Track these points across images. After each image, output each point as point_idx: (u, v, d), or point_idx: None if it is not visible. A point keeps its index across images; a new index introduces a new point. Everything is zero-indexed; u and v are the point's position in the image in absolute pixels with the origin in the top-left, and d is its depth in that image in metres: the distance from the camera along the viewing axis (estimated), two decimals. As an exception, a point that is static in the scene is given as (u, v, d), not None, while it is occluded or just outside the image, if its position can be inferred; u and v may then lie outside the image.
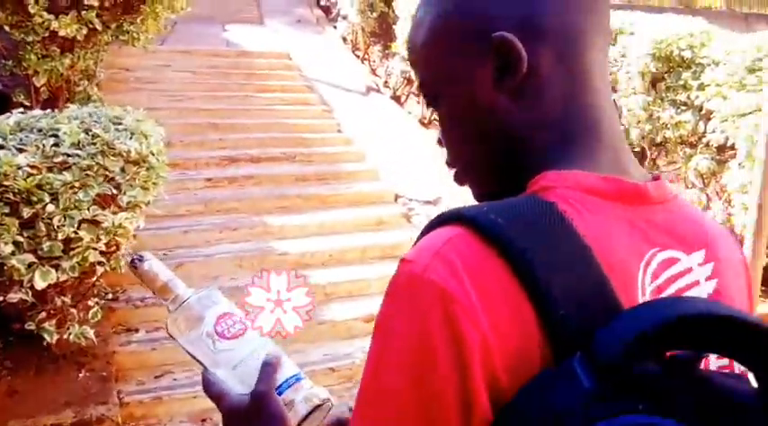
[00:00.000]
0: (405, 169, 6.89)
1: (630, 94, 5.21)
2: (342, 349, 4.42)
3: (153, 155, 3.06)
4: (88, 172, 2.78)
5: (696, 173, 4.85)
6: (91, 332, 3.15)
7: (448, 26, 0.70)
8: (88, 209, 2.77)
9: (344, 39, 11.11)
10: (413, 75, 8.43)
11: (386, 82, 9.79)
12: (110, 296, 4.60)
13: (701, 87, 4.73)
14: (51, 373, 3.14)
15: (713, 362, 0.65)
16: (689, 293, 0.68)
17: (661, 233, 0.68)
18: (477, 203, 0.64)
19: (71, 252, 2.79)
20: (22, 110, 3.16)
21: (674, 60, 5.01)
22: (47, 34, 4.23)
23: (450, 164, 0.76)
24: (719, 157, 4.71)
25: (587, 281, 0.58)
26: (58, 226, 2.69)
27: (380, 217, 5.97)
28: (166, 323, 0.98)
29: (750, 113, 4.24)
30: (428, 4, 0.72)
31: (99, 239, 2.82)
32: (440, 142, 0.77)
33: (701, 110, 4.74)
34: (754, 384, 0.56)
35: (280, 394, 0.86)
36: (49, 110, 3.20)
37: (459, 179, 0.76)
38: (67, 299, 3.10)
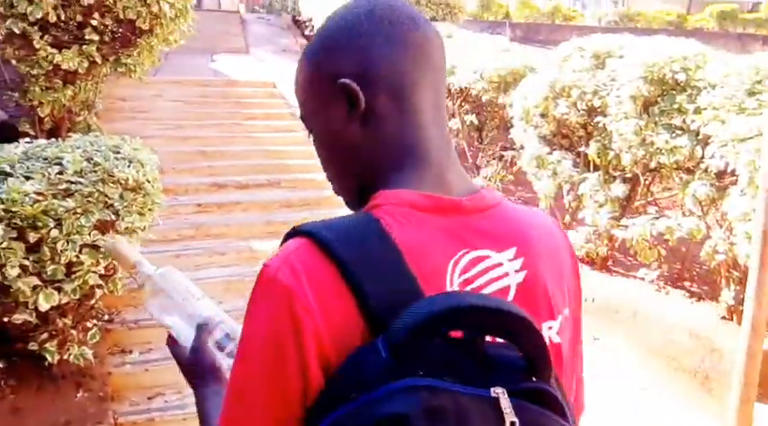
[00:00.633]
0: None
1: (622, 119, 5.01)
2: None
3: (149, 182, 3.16)
4: (89, 198, 2.87)
5: (694, 200, 4.60)
6: (89, 353, 3.22)
7: (312, 78, 0.89)
8: (89, 234, 2.86)
9: (329, 69, 11.27)
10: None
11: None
12: (107, 317, 4.67)
13: (698, 111, 4.55)
14: (52, 392, 3.21)
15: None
16: (497, 283, 0.82)
17: (474, 236, 0.83)
18: (322, 219, 0.80)
19: (73, 276, 2.87)
20: (28, 139, 3.26)
21: (667, 83, 4.85)
22: (50, 67, 4.33)
23: (332, 184, 0.95)
24: (719, 184, 4.46)
25: (396, 280, 0.75)
26: (61, 251, 2.78)
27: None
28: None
29: (751, 138, 4.00)
30: (300, 67, 0.92)
31: (98, 263, 2.91)
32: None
33: (697, 134, 4.54)
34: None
35: (221, 348, 1.09)
36: (53, 140, 3.29)
37: (335, 191, 0.95)
38: (68, 321, 3.18)
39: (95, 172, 2.96)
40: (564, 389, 0.81)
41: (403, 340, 0.68)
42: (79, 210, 2.83)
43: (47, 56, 4.18)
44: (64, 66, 4.23)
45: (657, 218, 5.02)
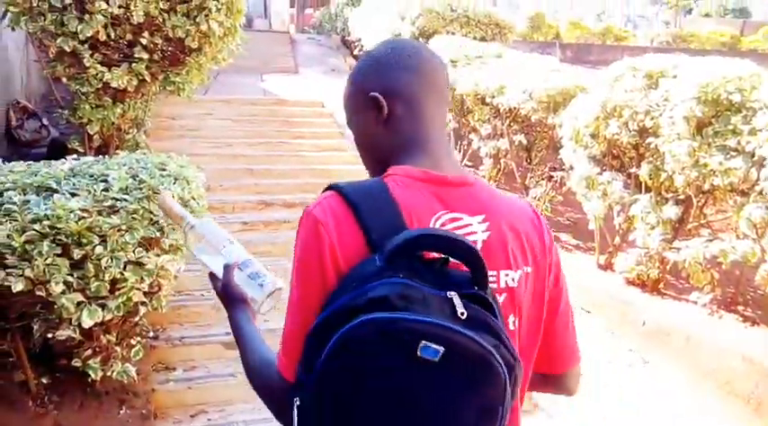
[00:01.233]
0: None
1: (674, 140, 4.85)
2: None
3: (194, 199, 3.14)
4: (134, 215, 2.86)
5: (748, 223, 4.47)
6: (133, 370, 3.21)
7: (351, 93, 1.29)
8: (134, 251, 2.85)
9: (376, 88, 11.28)
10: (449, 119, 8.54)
11: (416, 129, 9.90)
12: (151, 334, 4.68)
13: (753, 132, 4.43)
14: (94, 409, 3.20)
15: None
16: (467, 238, 1.13)
17: (454, 202, 1.17)
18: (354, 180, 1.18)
19: (117, 292, 2.86)
20: (75, 156, 3.28)
21: (721, 104, 4.68)
22: (100, 85, 4.40)
23: (365, 164, 1.34)
24: (776, 207, 4.30)
25: (391, 221, 1.09)
26: (105, 267, 2.77)
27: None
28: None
29: (807, 161, 3.74)
30: (346, 86, 1.31)
31: (143, 280, 2.89)
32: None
33: (752, 156, 4.41)
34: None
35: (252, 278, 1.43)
36: (100, 157, 3.31)
37: (367, 169, 1.33)
38: (112, 337, 3.17)
39: (140, 189, 2.95)
40: (522, 321, 1.22)
41: (390, 254, 1.04)
42: (124, 227, 2.82)
43: (96, 74, 4.23)
44: (113, 85, 4.29)
45: (711, 241, 4.82)
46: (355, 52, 13.19)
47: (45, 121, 6.83)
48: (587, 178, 5.84)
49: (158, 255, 2.94)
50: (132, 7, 4.21)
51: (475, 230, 1.17)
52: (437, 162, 1.21)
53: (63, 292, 2.73)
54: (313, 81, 11.34)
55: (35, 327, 2.92)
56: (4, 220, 2.69)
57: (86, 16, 4.09)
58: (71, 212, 2.72)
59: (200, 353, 4.55)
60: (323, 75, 12.01)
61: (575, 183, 6.05)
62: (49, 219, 2.68)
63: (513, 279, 1.21)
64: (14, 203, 2.74)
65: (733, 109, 4.65)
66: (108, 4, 4.12)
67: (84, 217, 2.74)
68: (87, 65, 4.20)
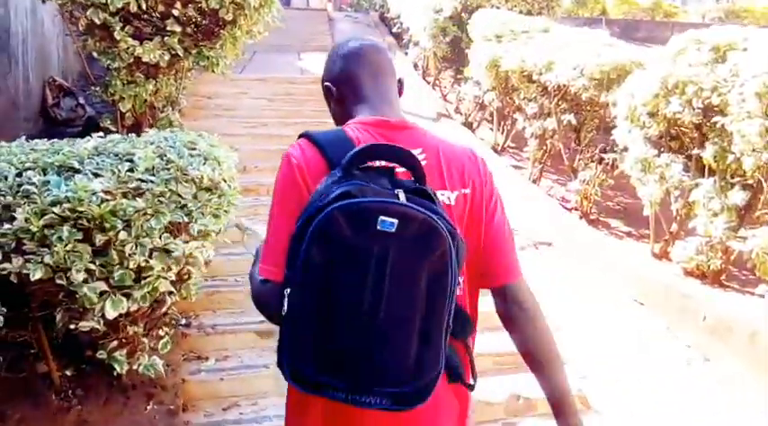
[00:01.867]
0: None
1: (744, 118, 4.45)
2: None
3: (225, 181, 2.91)
4: (161, 198, 2.64)
5: None
6: (160, 364, 3.00)
7: (323, 91, 1.69)
8: (160, 237, 2.63)
9: (415, 65, 10.97)
10: (486, 100, 8.19)
11: (457, 108, 9.57)
12: (183, 322, 4.50)
13: None
14: (120, 404, 3.01)
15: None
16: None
17: (395, 139, 1.50)
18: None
19: (142, 281, 2.65)
20: (101, 134, 3.08)
21: None
22: (131, 60, 4.19)
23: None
24: None
25: (345, 149, 1.40)
26: (129, 254, 2.55)
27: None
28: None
29: None
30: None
31: (170, 268, 2.67)
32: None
33: None
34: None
35: None
36: (128, 135, 3.10)
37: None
38: (139, 328, 2.97)
39: (168, 169, 2.73)
40: (458, 231, 1.36)
41: (346, 164, 1.36)
42: (150, 211, 2.60)
43: (128, 48, 4.02)
44: (145, 59, 4.07)
45: (781, 229, 4.46)
46: (394, 29, 12.85)
47: (81, 100, 6.68)
48: (643, 160, 5.49)
49: (186, 242, 2.72)
50: (164, -23, 4.00)
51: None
52: (381, 113, 1.57)
53: (85, 281, 2.52)
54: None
55: (57, 317, 2.72)
56: (22, 202, 2.48)
57: (117, -14, 3.86)
58: (93, 194, 2.50)
59: (234, 342, 4.35)
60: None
61: (629, 166, 5.70)
62: (69, 202, 2.47)
63: (449, 198, 1.51)
64: (34, 184, 2.53)
65: (811, 84, 4.22)
66: (139, -27, 3.89)
67: (107, 200, 2.53)
68: (118, 38, 3.98)
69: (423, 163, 1.44)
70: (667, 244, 5.59)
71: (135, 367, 2.92)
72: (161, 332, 3.12)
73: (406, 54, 11.16)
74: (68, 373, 3.02)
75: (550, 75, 6.64)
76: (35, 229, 2.43)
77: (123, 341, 2.95)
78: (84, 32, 4.21)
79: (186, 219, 2.70)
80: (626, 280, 5.54)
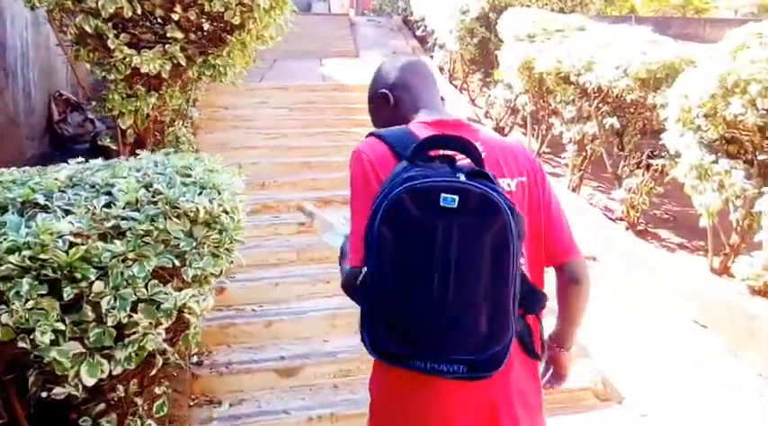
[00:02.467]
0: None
1: None
2: None
3: (227, 213, 2.39)
4: (146, 239, 2.14)
5: None
6: (156, 431, 2.50)
7: (372, 100, 1.89)
8: (146, 287, 2.12)
9: (441, 69, 10.43)
10: (519, 104, 7.62)
11: (487, 112, 9.01)
12: (195, 360, 4.01)
13: None
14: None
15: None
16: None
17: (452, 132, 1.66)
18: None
19: (126, 340, 2.14)
20: (80, 159, 2.59)
21: None
22: (128, 71, 3.71)
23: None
24: None
25: (411, 143, 1.53)
26: (107, 309, 2.05)
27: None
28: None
29: None
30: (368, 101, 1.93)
31: (159, 323, 2.17)
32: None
33: None
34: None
35: None
36: (112, 160, 2.61)
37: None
38: (132, 387, 2.47)
39: (155, 203, 2.22)
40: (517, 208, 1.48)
41: (411, 155, 1.50)
42: (131, 256, 2.10)
43: (124, 58, 3.54)
44: (144, 70, 3.58)
45: None
46: (418, 33, 12.32)
47: (90, 114, 6.25)
48: (699, 167, 4.89)
49: (179, 289, 2.21)
50: (162, -23, 3.52)
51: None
52: (437, 114, 1.75)
53: (54, 342, 2.02)
54: (374, 64, 10.51)
55: (30, 380, 2.23)
56: (-27, 250, 1.99)
57: (108, -12, 3.37)
58: (60, 237, 2.01)
59: (250, 383, 3.86)
60: (385, 57, 11.17)
61: (682, 173, 5.09)
62: (30, 248, 1.97)
63: (509, 185, 1.66)
64: (-12, 226, 2.04)
65: None
66: (132, -28, 3.40)
67: (77, 244, 2.03)
68: (112, 47, 3.50)
69: (483, 154, 1.54)
70: (728, 259, 4.98)
71: (126, 435, 2.42)
72: (158, 390, 2.61)
73: (432, 58, 10.62)
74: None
75: (590, 76, 6.05)
76: (-11, 283, 1.94)
77: (112, 403, 2.45)
78: (75, 42, 3.74)
79: (178, 263, 2.19)
80: (682, 298, 4.97)
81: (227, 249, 2.38)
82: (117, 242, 2.09)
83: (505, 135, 8.34)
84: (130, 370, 2.34)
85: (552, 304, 1.72)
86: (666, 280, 5.22)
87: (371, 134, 1.66)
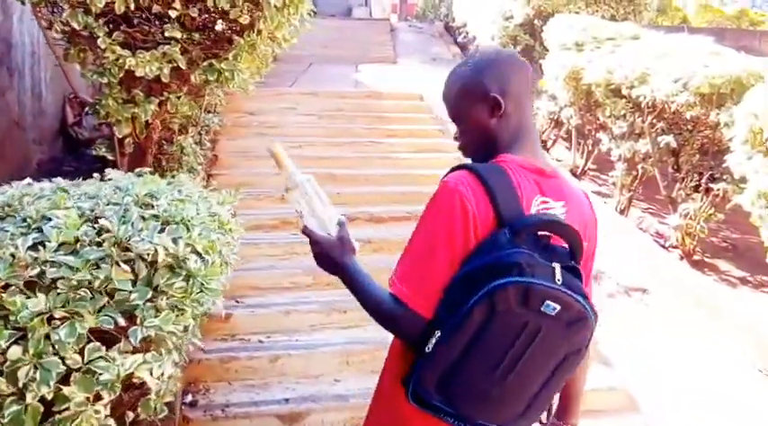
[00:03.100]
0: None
1: None
2: None
3: (198, 255, 1.89)
4: (81, 290, 1.64)
5: None
6: None
7: (466, 91, 1.51)
8: (80, 352, 1.63)
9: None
10: (563, 117, 7.02)
11: (529, 124, 8.40)
12: (189, 399, 3.54)
13: None
14: None
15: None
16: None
17: (547, 189, 1.46)
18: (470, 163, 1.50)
19: (55, 417, 1.65)
20: (26, 182, 2.11)
21: None
22: (121, 74, 3.25)
23: (462, 149, 1.58)
24: None
25: (513, 200, 1.38)
26: (25, 383, 1.56)
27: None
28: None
29: None
30: (455, 82, 1.54)
31: (99, 398, 1.67)
32: (456, 139, 1.59)
33: None
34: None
35: None
36: (66, 182, 2.13)
37: (465, 154, 1.58)
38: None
39: (99, 244, 1.72)
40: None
41: (517, 230, 1.33)
42: (59, 313, 1.60)
43: (117, 59, 3.08)
44: (138, 73, 3.11)
45: None
46: (459, 39, 11.75)
47: (108, 117, 5.84)
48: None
49: (125, 355, 1.71)
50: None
51: (558, 212, 1.46)
52: (535, 153, 1.50)
53: (-44, 423, 1.54)
54: (412, 71, 9.99)
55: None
56: None
57: (97, -20, 2.91)
58: (-37, 290, 1.52)
59: (252, 427, 3.36)
60: (424, 64, 10.64)
61: (749, 201, 4.46)
62: (-75, 303, 1.50)
63: None
64: None
65: None
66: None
67: (-12, 297, 1.54)
68: (102, 47, 3.05)
69: (563, 217, 1.47)
70: (800, 301, 4.33)
71: None
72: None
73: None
74: None
75: (644, 89, 5.43)
76: None
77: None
78: (67, 40, 3.30)
79: (123, 322, 1.68)
80: (746, 341, 4.33)
81: (195, 300, 1.87)
82: (41, 294, 1.60)
83: (548, 149, 7.75)
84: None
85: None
86: (729, 320, 4.58)
87: (468, 169, 1.41)
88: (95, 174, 3.05)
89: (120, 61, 3.15)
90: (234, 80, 3.35)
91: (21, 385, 1.58)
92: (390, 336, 1.54)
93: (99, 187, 2.04)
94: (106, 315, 1.66)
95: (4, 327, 1.56)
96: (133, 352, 1.77)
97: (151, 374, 1.75)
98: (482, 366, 1.33)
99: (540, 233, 1.38)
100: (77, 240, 1.72)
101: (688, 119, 5.37)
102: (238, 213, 5.04)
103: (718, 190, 5.06)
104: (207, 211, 2.08)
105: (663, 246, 5.56)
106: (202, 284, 1.90)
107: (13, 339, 1.58)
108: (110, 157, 3.68)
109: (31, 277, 1.63)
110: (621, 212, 6.14)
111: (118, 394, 1.71)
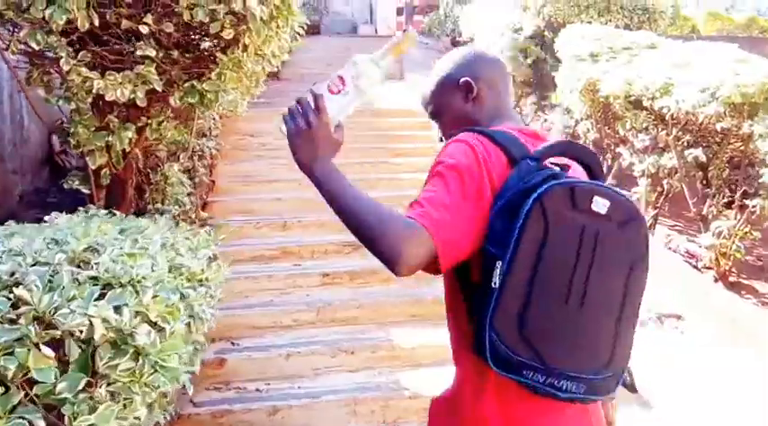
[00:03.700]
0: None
1: None
2: None
3: (152, 325, 1.47)
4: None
5: None
6: None
7: (441, 83, 1.58)
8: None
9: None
10: (579, 131, 6.59)
11: (543, 139, 7.97)
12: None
13: None
14: None
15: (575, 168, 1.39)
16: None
17: (537, 145, 1.41)
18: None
19: None
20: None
21: None
22: (90, 99, 2.87)
23: (442, 138, 1.60)
24: None
25: (518, 144, 1.37)
26: None
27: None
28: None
29: None
30: (432, 79, 1.61)
31: None
32: (441, 139, 1.61)
33: None
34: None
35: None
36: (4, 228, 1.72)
37: (445, 139, 1.56)
38: None
39: (14, 320, 1.31)
40: None
41: (540, 156, 1.32)
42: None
43: (84, 81, 2.69)
44: (109, 97, 2.73)
45: None
46: (467, 54, 11.35)
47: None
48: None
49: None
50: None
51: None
52: (516, 123, 1.53)
53: None
54: (418, 88, 9.60)
55: None
56: None
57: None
58: None
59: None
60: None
61: (790, 218, 4.01)
62: None
63: None
64: None
65: None
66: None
67: None
68: (66, 68, 2.66)
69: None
70: None
71: None
72: None
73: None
74: None
75: (668, 100, 4.99)
76: None
77: None
78: (29, 62, 2.92)
79: (43, 425, 1.26)
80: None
81: (148, 384, 1.45)
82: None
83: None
84: None
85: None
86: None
87: (479, 132, 1.40)
88: (80, 208, 2.66)
89: (88, 84, 2.75)
90: (216, 101, 2.94)
91: None
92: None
93: (32, 239, 1.63)
94: (21, 417, 1.25)
95: None
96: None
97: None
98: (554, 292, 1.22)
99: (559, 163, 1.35)
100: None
101: (717, 131, 4.92)
102: (233, 244, 4.65)
103: (755, 206, 4.60)
104: (168, 264, 1.66)
105: (695, 267, 5.10)
106: (156, 362, 1.47)
107: None
108: (84, 191, 3.28)
109: None
110: (646, 231, 5.68)
111: None
